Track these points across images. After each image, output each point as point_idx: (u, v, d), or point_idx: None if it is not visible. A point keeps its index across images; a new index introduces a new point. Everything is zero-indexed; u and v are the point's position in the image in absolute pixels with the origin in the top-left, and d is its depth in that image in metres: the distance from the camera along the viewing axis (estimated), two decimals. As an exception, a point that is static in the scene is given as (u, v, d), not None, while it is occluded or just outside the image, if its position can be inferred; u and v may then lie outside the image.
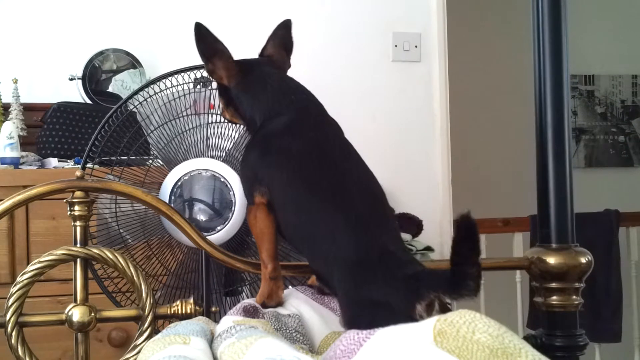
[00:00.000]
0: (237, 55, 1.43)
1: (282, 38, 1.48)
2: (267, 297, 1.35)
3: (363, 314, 1.11)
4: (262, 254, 1.36)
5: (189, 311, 1.38)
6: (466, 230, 1.03)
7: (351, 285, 1.15)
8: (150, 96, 1.71)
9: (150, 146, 1.74)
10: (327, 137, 1.33)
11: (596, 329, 3.19)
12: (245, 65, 1.42)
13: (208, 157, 1.70)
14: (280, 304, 1.36)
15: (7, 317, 1.30)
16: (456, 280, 1.03)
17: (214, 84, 1.72)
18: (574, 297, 1.51)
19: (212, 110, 1.73)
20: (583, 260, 1.51)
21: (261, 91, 1.38)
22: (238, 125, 1.72)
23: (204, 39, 1.39)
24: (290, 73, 1.50)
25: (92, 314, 1.34)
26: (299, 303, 1.37)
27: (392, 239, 1.21)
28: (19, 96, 2.55)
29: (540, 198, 1.56)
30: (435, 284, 1.08)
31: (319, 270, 1.32)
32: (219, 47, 1.39)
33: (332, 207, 1.22)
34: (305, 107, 1.38)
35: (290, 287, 1.52)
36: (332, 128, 1.36)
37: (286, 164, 1.28)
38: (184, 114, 1.72)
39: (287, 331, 1.23)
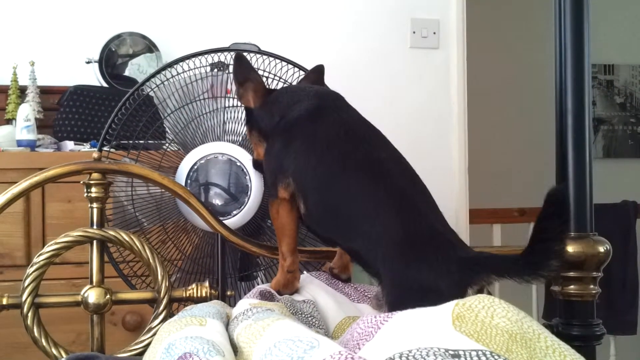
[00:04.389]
0: (252, 40, 1.44)
1: (313, 80, 1.50)
2: (283, 287, 1.34)
3: (410, 296, 1.07)
4: (281, 247, 1.35)
5: (204, 294, 1.38)
6: (558, 205, 0.99)
7: (400, 266, 1.10)
8: (167, 79, 1.71)
9: (167, 130, 1.74)
10: (351, 116, 1.31)
11: (612, 320, 3.17)
12: (274, 89, 1.46)
13: (225, 141, 1.69)
14: (295, 292, 1.36)
15: (24, 298, 1.31)
16: (536, 259, 1.00)
17: (231, 68, 1.72)
18: (592, 286, 1.50)
19: (228, 94, 1.73)
20: (601, 249, 1.49)
21: (280, 98, 1.39)
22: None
23: (242, 66, 1.43)
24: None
25: (108, 296, 1.34)
26: (314, 288, 1.37)
27: (438, 218, 1.17)
28: (35, 79, 2.56)
29: (559, 186, 1.55)
30: (498, 267, 1.05)
31: (358, 251, 1.24)
32: (254, 74, 1.43)
33: (373, 183, 1.19)
34: (324, 93, 1.37)
35: (305, 272, 1.52)
36: (353, 110, 1.34)
37: (313, 148, 1.26)
38: (201, 97, 1.72)
39: (303, 316, 1.22)
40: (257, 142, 1.44)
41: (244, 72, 1.42)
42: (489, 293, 1.03)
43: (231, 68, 1.72)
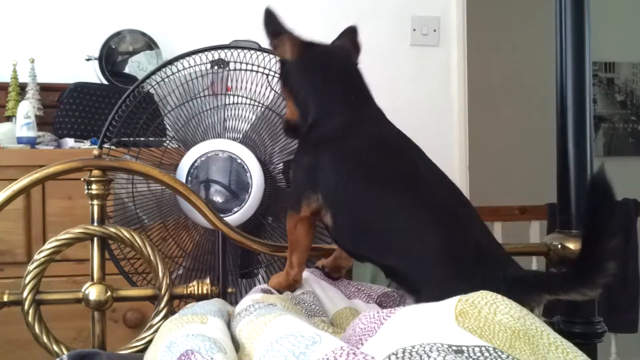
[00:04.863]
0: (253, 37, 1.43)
1: (349, 39, 1.43)
2: (284, 289, 1.33)
3: None
4: (292, 257, 1.32)
5: (205, 291, 1.37)
6: (603, 192, 0.95)
7: (445, 287, 1.02)
8: (168, 76, 1.71)
9: (167, 127, 1.74)
10: (386, 131, 1.26)
11: (612, 319, 3.15)
12: (311, 42, 1.36)
13: (225, 138, 1.69)
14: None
15: (24, 295, 1.30)
16: (592, 265, 0.94)
17: (232, 65, 1.72)
18: (593, 284, 1.50)
19: (229, 91, 1.73)
20: (603, 246, 1.49)
21: (320, 76, 1.33)
22: (255, 107, 1.72)
23: (273, 18, 1.35)
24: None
25: (109, 293, 1.33)
26: (312, 283, 1.37)
27: (483, 232, 1.11)
28: (35, 76, 2.56)
29: (560, 184, 1.54)
30: (550, 285, 1.01)
31: (396, 268, 1.16)
32: (287, 28, 1.35)
33: (411, 198, 1.14)
34: (362, 109, 1.30)
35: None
36: (390, 126, 1.28)
37: (344, 165, 1.20)
38: (201, 95, 1.72)
39: (305, 304, 1.22)
40: (289, 98, 1.36)
41: (276, 24, 1.34)
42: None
43: (231, 65, 1.72)
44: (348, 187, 1.19)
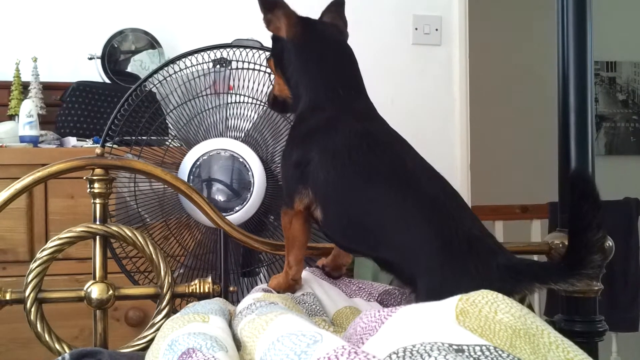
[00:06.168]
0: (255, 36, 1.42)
1: (337, 13, 1.41)
2: (283, 290, 1.32)
3: None
4: (289, 256, 1.32)
5: (207, 290, 1.37)
6: (584, 187, 0.96)
7: (437, 278, 1.05)
8: (170, 75, 1.71)
9: (169, 126, 1.74)
10: (374, 126, 1.25)
11: (613, 317, 3.14)
12: (307, 19, 1.35)
13: (227, 137, 1.69)
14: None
15: (27, 293, 1.30)
16: (578, 257, 0.96)
17: (234, 64, 1.72)
18: (594, 282, 1.50)
19: (231, 90, 1.73)
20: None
21: (314, 62, 1.31)
22: (257, 106, 1.72)
23: None
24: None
25: (111, 291, 1.33)
26: (312, 283, 1.37)
27: (474, 222, 1.11)
28: (38, 75, 2.56)
29: (561, 183, 1.55)
30: (541, 274, 1.02)
31: (389, 262, 1.18)
32: (281, 1, 1.33)
33: (400, 191, 1.13)
34: (352, 102, 1.29)
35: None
36: (378, 121, 1.27)
37: (332, 161, 1.19)
38: (203, 93, 1.72)
39: (306, 305, 1.22)
40: (280, 77, 1.35)
41: None
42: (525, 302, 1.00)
43: (233, 64, 1.72)
44: (337, 182, 1.19)
